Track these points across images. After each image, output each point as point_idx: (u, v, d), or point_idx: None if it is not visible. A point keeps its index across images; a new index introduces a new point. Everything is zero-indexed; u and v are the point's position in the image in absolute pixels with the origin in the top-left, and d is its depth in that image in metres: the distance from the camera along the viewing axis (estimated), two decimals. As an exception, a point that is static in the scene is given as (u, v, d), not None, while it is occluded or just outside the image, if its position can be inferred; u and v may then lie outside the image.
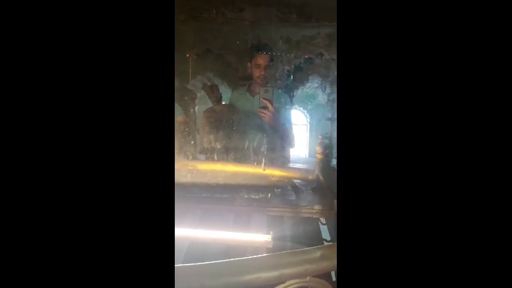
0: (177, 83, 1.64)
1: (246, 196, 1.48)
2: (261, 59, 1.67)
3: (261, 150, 1.59)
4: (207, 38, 1.66)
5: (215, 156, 1.55)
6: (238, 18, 1.57)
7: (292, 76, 1.75)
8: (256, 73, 1.69)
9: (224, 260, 0.87)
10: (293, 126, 1.78)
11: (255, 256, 0.97)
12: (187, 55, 1.63)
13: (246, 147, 1.59)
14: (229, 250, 1.18)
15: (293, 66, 1.74)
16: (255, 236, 1.16)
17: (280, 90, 1.78)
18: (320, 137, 1.55)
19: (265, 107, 1.57)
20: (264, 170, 1.53)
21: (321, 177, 1.43)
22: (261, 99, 1.57)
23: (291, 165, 1.73)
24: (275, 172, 1.53)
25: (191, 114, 1.66)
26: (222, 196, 1.46)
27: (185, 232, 1.18)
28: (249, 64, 1.72)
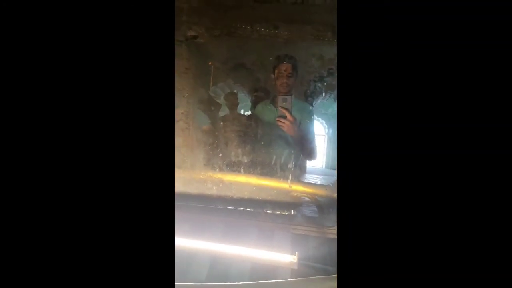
0: (202, 92, 1.68)
1: (270, 212, 1.47)
2: (284, 68, 1.69)
3: (288, 166, 1.58)
4: (240, 53, 1.70)
5: (242, 170, 1.56)
6: (273, 35, 1.60)
7: (316, 87, 1.75)
8: (279, 81, 1.71)
9: (252, 282, 0.86)
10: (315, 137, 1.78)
11: (283, 280, 0.97)
12: (209, 63, 1.68)
13: (273, 162, 1.59)
14: (253, 268, 1.16)
15: (325, 84, 1.74)
16: (280, 256, 1.14)
17: (311, 107, 1.78)
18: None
19: (283, 116, 1.56)
20: (290, 187, 1.52)
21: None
22: (279, 108, 1.57)
23: (307, 175, 1.70)
24: (299, 188, 1.51)
25: (219, 126, 1.69)
26: (246, 210, 1.46)
27: (207, 245, 1.18)
28: (272, 75, 1.74)
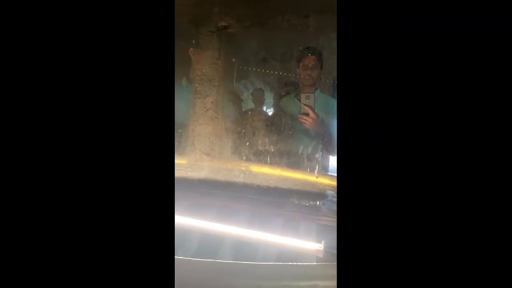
0: (229, 85, 1.70)
1: (296, 202, 1.48)
2: (308, 60, 1.68)
3: (315, 156, 1.58)
4: (271, 45, 1.70)
5: (268, 159, 1.58)
6: (303, 25, 1.58)
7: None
8: (303, 74, 1.70)
9: (282, 263, 0.88)
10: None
11: (313, 264, 0.99)
12: (233, 60, 1.69)
13: (300, 152, 1.59)
14: (279, 254, 1.18)
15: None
16: (305, 244, 1.14)
17: (336, 101, 1.77)
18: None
19: (306, 113, 1.56)
20: (317, 177, 1.53)
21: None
22: (302, 105, 1.57)
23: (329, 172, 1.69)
24: (324, 181, 1.52)
25: (247, 115, 1.71)
26: (272, 199, 1.48)
27: (233, 230, 1.20)
28: (297, 68, 1.73)
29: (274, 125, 1.64)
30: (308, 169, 1.57)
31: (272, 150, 1.58)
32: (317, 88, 1.70)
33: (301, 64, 1.71)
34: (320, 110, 1.61)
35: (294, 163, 1.59)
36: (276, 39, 1.69)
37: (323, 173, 1.56)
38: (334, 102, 1.78)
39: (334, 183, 1.52)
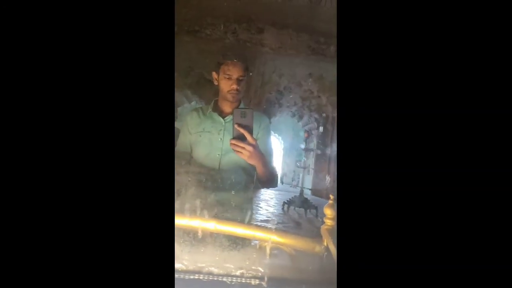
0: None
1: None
2: (234, 68, 1.27)
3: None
4: (205, 61, 1.38)
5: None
6: (255, 41, 1.27)
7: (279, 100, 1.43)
8: (226, 86, 1.28)
9: None
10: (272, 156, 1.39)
11: None
12: None
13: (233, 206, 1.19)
14: None
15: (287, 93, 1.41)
16: None
17: (268, 120, 1.44)
18: (331, 196, 1.04)
19: (242, 139, 1.08)
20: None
21: (333, 251, 0.95)
22: (235, 126, 1.08)
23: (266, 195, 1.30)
24: (267, 238, 1.06)
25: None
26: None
27: None
28: (215, 75, 1.35)
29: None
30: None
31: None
32: (240, 100, 1.33)
33: (221, 73, 1.30)
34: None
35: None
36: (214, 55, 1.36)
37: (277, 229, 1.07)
38: (265, 119, 1.38)
39: (284, 240, 1.04)
